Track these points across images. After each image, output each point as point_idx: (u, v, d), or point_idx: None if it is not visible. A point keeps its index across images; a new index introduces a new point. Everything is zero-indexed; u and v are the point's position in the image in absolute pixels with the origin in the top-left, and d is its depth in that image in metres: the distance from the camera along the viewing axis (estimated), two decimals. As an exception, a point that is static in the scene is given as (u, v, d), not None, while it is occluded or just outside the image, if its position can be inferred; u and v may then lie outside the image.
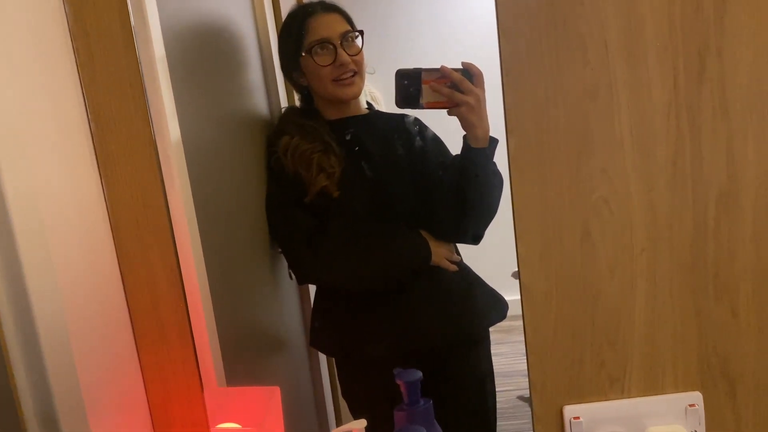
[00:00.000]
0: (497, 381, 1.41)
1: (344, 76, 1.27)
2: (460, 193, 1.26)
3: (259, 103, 1.41)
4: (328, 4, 1.29)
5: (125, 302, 0.86)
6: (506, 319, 1.35)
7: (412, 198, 1.33)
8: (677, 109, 0.79)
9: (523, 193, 0.81)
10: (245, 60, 1.37)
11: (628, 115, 0.80)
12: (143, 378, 0.88)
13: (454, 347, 1.39)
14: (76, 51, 0.81)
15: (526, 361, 0.85)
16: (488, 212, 1.26)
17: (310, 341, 1.46)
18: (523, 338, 0.85)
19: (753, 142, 0.80)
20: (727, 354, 0.85)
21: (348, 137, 1.32)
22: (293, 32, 1.29)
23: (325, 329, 1.40)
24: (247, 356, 1.20)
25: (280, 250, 1.36)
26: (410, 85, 1.15)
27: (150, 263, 0.86)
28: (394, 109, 1.18)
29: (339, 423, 1.54)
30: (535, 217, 0.82)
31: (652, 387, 0.86)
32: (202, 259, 1.00)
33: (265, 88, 1.42)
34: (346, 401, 1.43)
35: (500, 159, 1.20)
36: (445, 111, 1.17)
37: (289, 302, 1.46)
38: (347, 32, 1.27)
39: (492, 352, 1.40)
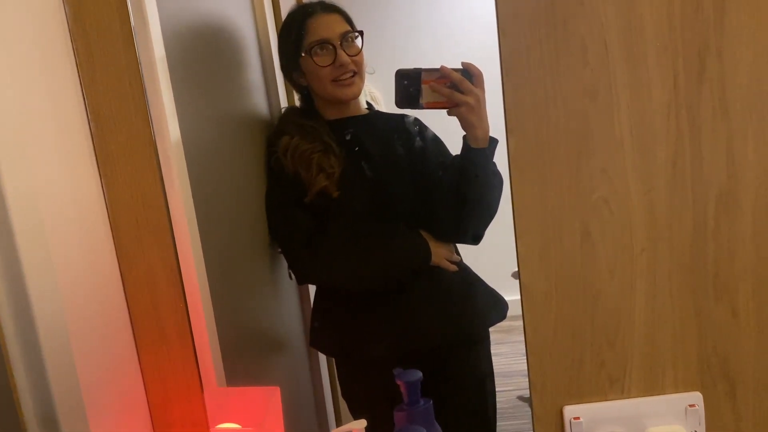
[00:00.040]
0: (497, 381, 1.41)
1: (344, 77, 1.27)
2: (460, 194, 1.26)
3: (259, 103, 1.41)
4: (327, 5, 1.29)
5: (125, 302, 0.86)
6: (506, 319, 1.35)
7: (412, 198, 1.33)
8: (677, 109, 0.79)
9: (523, 193, 0.81)
10: (245, 60, 1.37)
11: (628, 115, 0.80)
12: (143, 378, 0.88)
13: (454, 347, 1.39)
14: (76, 51, 0.81)
15: (526, 361, 0.85)
16: (488, 212, 1.26)
17: (310, 341, 1.46)
18: (522, 338, 0.85)
19: (753, 142, 0.80)
20: (727, 354, 0.85)
21: (348, 137, 1.32)
22: (293, 32, 1.29)
23: (324, 329, 1.40)
24: (247, 356, 1.20)
25: (279, 250, 1.36)
26: (410, 85, 1.15)
27: (150, 263, 0.85)
28: (394, 109, 1.18)
29: (339, 423, 1.54)
30: (535, 217, 0.82)
31: (652, 387, 0.86)
32: (202, 259, 1.00)
33: (265, 88, 1.42)
34: (346, 401, 1.43)
35: (500, 159, 1.20)
36: (445, 111, 1.17)
37: (289, 302, 1.46)
38: (347, 32, 1.27)
39: (492, 352, 1.40)
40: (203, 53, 1.19)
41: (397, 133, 1.34)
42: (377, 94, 1.38)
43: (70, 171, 0.79)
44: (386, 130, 1.35)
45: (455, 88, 1.15)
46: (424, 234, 1.31)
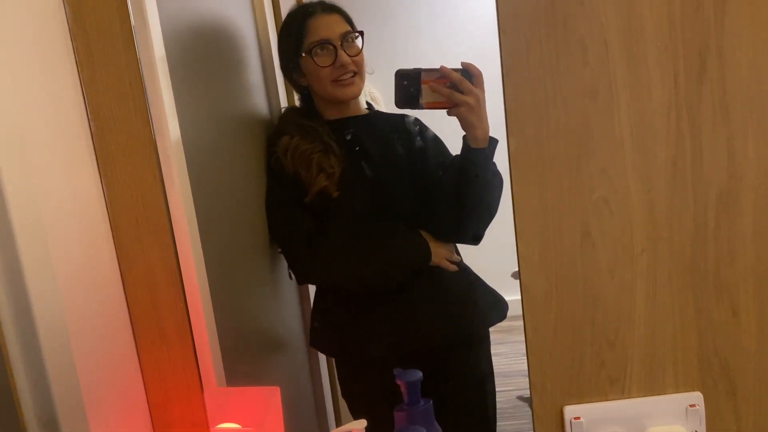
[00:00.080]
0: (497, 381, 1.41)
1: (344, 77, 1.27)
2: (460, 194, 1.26)
3: (259, 103, 1.41)
4: (328, 5, 1.29)
5: (125, 302, 0.86)
6: (506, 319, 1.35)
7: (412, 198, 1.33)
8: (677, 109, 0.79)
9: (524, 193, 0.81)
10: (245, 60, 1.37)
11: (628, 115, 0.80)
12: (143, 378, 0.88)
13: (454, 347, 1.39)
14: (76, 51, 0.81)
15: (526, 361, 0.85)
16: (488, 212, 1.26)
17: (310, 341, 1.46)
18: (522, 338, 0.85)
19: (753, 142, 0.80)
20: (727, 354, 0.85)
21: (348, 137, 1.32)
22: (293, 32, 1.29)
23: (325, 329, 1.40)
24: (247, 356, 1.20)
25: (279, 250, 1.36)
26: (410, 86, 1.15)
27: (150, 263, 0.85)
28: (394, 109, 1.18)
29: (339, 423, 1.54)
30: (535, 217, 0.82)
31: (653, 387, 0.86)
32: (202, 259, 1.00)
33: (265, 88, 1.42)
34: (346, 401, 1.43)
35: (500, 159, 1.20)
36: (444, 111, 1.17)
37: (289, 302, 1.46)
38: (347, 33, 1.27)
39: (492, 352, 1.40)
40: (203, 53, 1.19)
41: (397, 133, 1.34)
42: (377, 94, 1.38)
43: (70, 171, 0.79)
44: (386, 130, 1.35)
45: (455, 88, 1.15)
46: (424, 234, 1.31)
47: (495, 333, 1.39)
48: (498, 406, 1.41)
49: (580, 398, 0.86)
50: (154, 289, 0.86)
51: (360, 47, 1.28)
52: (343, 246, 1.32)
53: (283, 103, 1.45)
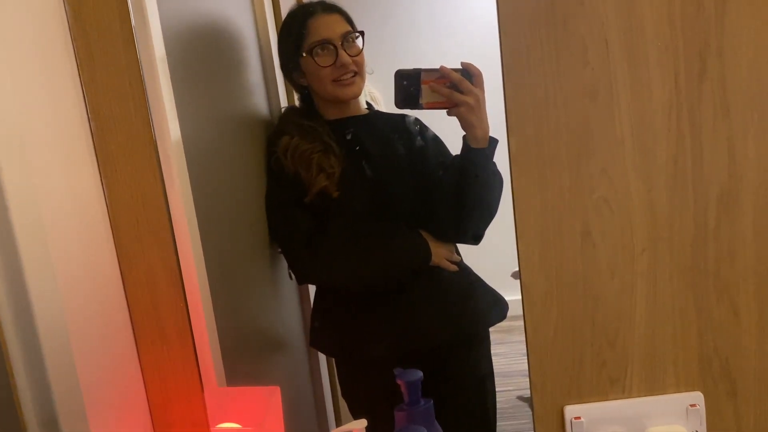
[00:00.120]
0: (497, 381, 1.41)
1: (345, 77, 1.27)
2: (460, 194, 1.26)
3: (259, 103, 1.41)
4: (328, 5, 1.29)
5: (125, 302, 0.86)
6: (506, 319, 1.35)
7: (412, 198, 1.33)
8: (678, 108, 0.79)
9: (524, 192, 0.81)
10: (245, 60, 1.37)
11: (629, 114, 0.80)
12: (143, 378, 0.88)
13: (454, 347, 1.39)
14: (76, 50, 0.81)
15: (526, 361, 0.85)
16: (488, 212, 1.26)
17: (310, 341, 1.46)
18: (522, 338, 0.85)
19: (754, 142, 0.80)
20: (728, 354, 0.85)
21: (348, 137, 1.32)
22: (293, 32, 1.29)
23: (325, 329, 1.40)
24: (247, 356, 1.20)
25: (279, 250, 1.36)
26: (410, 86, 1.15)
27: (150, 263, 0.85)
28: (394, 109, 1.18)
29: (339, 423, 1.54)
30: (535, 216, 0.82)
31: (653, 387, 0.86)
32: (202, 259, 1.00)
33: (265, 88, 1.42)
34: (346, 401, 1.43)
35: (500, 159, 1.20)
36: (444, 111, 1.17)
37: (289, 302, 1.46)
38: (348, 33, 1.27)
39: (492, 352, 1.40)
40: (203, 53, 1.19)
41: (397, 132, 1.34)
42: (377, 94, 1.38)
43: (70, 171, 0.79)
44: (386, 129, 1.35)
45: (455, 88, 1.15)
46: (424, 234, 1.31)
47: (495, 333, 1.39)
48: (498, 406, 1.41)
49: (581, 398, 0.86)
50: (154, 289, 0.86)
51: (360, 47, 1.28)
52: (343, 246, 1.32)
53: (283, 103, 1.45)
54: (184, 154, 0.97)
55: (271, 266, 1.36)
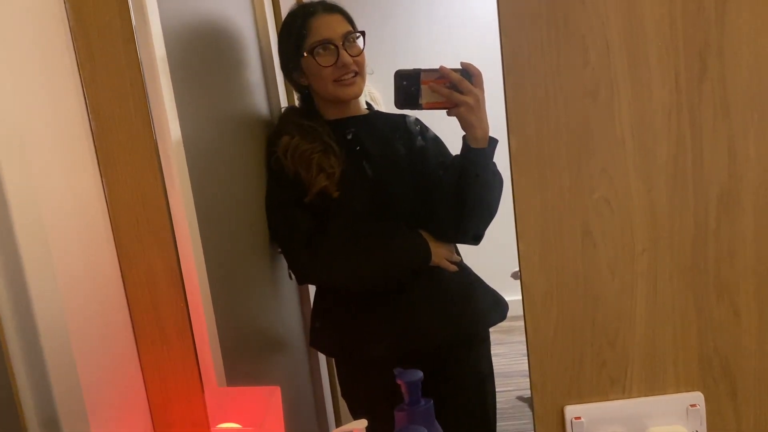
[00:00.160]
0: (497, 381, 1.41)
1: (346, 77, 1.27)
2: (460, 194, 1.26)
3: (259, 103, 1.41)
4: (329, 5, 1.29)
5: (125, 302, 0.86)
6: (506, 319, 1.35)
7: (412, 198, 1.33)
8: (678, 108, 0.79)
9: (524, 192, 0.81)
10: (245, 60, 1.37)
11: (629, 114, 0.80)
12: (143, 378, 0.88)
13: (454, 347, 1.39)
14: (77, 50, 0.81)
15: (526, 361, 0.85)
16: (488, 212, 1.26)
17: (310, 341, 1.46)
18: (522, 339, 0.85)
19: (754, 142, 0.80)
20: (728, 353, 0.85)
21: (349, 137, 1.32)
22: (294, 32, 1.29)
23: (325, 329, 1.40)
24: (247, 356, 1.20)
25: (279, 250, 1.36)
26: (409, 86, 1.15)
27: (150, 263, 0.85)
28: (394, 109, 1.18)
29: (339, 423, 1.54)
30: (535, 216, 0.82)
31: (653, 387, 0.86)
32: (202, 259, 1.00)
33: (265, 88, 1.42)
34: (346, 401, 1.43)
35: (500, 159, 1.20)
36: (444, 111, 1.17)
37: (289, 302, 1.46)
38: (349, 33, 1.27)
39: (492, 352, 1.40)
40: (203, 53, 1.19)
41: (397, 133, 1.34)
42: (376, 94, 1.38)
43: (71, 171, 0.79)
44: (386, 130, 1.35)
45: (454, 88, 1.15)
46: (424, 234, 1.31)
47: (495, 333, 1.39)
48: (498, 406, 1.41)
49: (581, 398, 0.86)
50: (154, 289, 0.86)
51: (361, 47, 1.28)
52: (343, 246, 1.32)
53: (283, 103, 1.45)
54: (184, 154, 0.97)
55: (271, 266, 1.36)
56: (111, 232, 0.85)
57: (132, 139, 0.83)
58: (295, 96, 1.40)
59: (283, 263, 1.36)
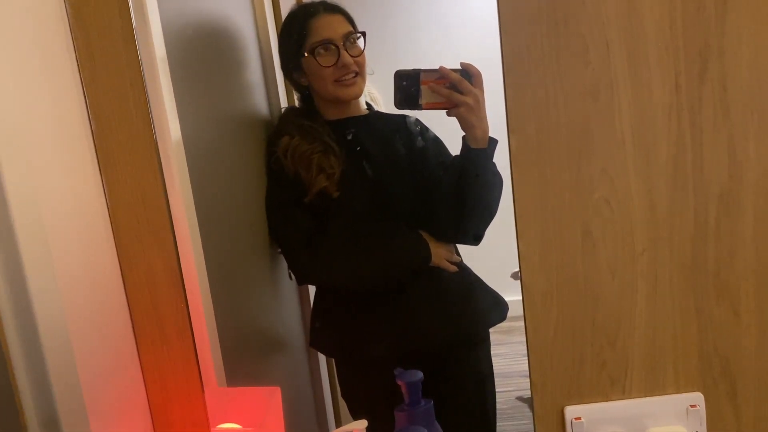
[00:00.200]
0: (497, 382, 1.41)
1: (346, 77, 1.27)
2: (460, 194, 1.26)
3: (259, 103, 1.41)
4: (330, 5, 1.29)
5: (125, 302, 0.86)
6: (506, 319, 1.35)
7: (412, 198, 1.33)
8: (678, 108, 0.79)
9: (524, 192, 0.81)
10: (245, 60, 1.37)
11: (629, 114, 0.80)
12: (143, 378, 0.88)
13: (454, 348, 1.39)
14: (77, 50, 0.81)
15: (526, 361, 0.85)
16: (488, 213, 1.26)
17: (310, 342, 1.46)
18: (522, 339, 0.85)
19: (754, 142, 0.80)
20: (728, 354, 0.85)
21: (349, 137, 1.32)
22: (295, 32, 1.29)
23: (325, 329, 1.40)
24: (247, 356, 1.20)
25: (279, 250, 1.36)
26: (409, 86, 1.15)
27: (150, 263, 0.85)
28: (394, 110, 1.18)
29: (339, 423, 1.54)
30: (535, 217, 0.82)
31: (653, 387, 0.86)
32: (203, 259, 1.00)
33: (265, 88, 1.42)
34: (346, 402, 1.43)
35: (500, 159, 1.20)
36: (444, 111, 1.17)
37: (289, 302, 1.46)
38: (350, 33, 1.27)
39: (492, 352, 1.40)
40: (204, 53, 1.19)
41: (398, 133, 1.34)
42: (376, 94, 1.38)
43: (71, 171, 0.79)
44: (387, 130, 1.35)
45: (454, 88, 1.15)
46: (424, 234, 1.31)
47: (495, 334, 1.39)
48: (498, 406, 1.41)
49: (581, 398, 0.86)
50: (154, 289, 0.86)
51: (362, 48, 1.28)
52: (343, 246, 1.32)
53: (283, 103, 1.45)
54: (184, 154, 0.97)
55: (271, 266, 1.36)
56: (111, 232, 0.85)
57: (132, 139, 0.83)
58: (295, 96, 1.40)
59: (283, 263, 1.36)
